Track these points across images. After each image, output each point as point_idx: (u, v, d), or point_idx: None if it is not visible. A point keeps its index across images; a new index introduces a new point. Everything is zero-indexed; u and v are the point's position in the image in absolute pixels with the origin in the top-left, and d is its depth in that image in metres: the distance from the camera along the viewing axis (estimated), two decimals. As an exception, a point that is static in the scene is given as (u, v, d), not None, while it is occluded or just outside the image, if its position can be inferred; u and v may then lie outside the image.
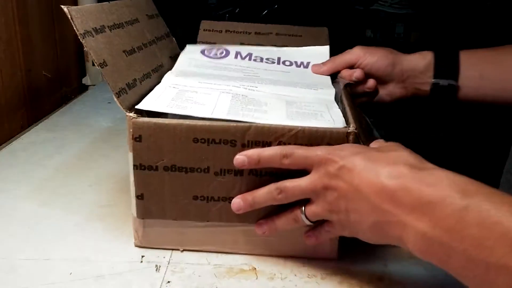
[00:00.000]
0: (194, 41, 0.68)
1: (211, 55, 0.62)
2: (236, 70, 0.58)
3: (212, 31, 0.69)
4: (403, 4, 1.55)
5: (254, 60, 0.62)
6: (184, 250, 0.45)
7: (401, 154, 0.35)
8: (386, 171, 0.33)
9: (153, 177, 0.42)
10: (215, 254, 0.44)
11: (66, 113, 0.83)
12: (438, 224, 0.30)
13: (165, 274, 0.41)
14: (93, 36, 0.42)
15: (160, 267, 0.42)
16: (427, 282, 0.41)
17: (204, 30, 0.70)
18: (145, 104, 0.43)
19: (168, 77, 0.52)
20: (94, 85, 1.07)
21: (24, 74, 0.81)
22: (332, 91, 0.52)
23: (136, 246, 0.45)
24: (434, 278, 0.42)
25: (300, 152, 0.38)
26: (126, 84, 0.44)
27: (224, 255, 0.44)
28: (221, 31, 0.69)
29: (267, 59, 0.62)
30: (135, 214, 0.44)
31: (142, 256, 0.44)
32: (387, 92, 0.60)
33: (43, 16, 0.89)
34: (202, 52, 0.63)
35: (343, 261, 0.44)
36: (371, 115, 0.52)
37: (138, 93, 0.45)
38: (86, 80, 1.08)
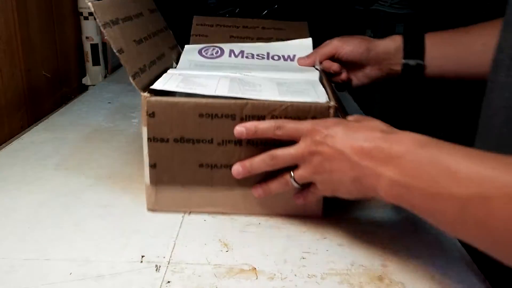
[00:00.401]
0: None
1: (207, 55, 0.67)
2: (231, 64, 0.65)
3: (204, 25, 0.76)
4: (403, 4, 1.56)
5: (247, 57, 0.68)
6: (191, 212, 0.51)
7: (374, 123, 0.43)
8: (363, 136, 0.41)
9: (164, 148, 0.48)
10: (215, 254, 0.44)
11: (66, 113, 0.83)
12: (402, 171, 0.38)
13: (165, 274, 0.41)
14: (111, 27, 0.49)
15: (160, 267, 0.42)
16: (427, 282, 0.41)
17: (196, 24, 0.76)
18: (158, 85, 0.49)
19: (171, 70, 0.57)
20: (94, 85, 1.07)
21: (24, 74, 0.81)
22: (316, 73, 0.60)
23: (148, 209, 0.51)
24: (433, 278, 0.42)
25: (290, 125, 0.46)
26: (139, 68, 0.50)
27: (224, 255, 0.44)
28: (212, 25, 0.76)
29: (258, 55, 0.68)
30: (148, 182, 0.50)
31: (142, 256, 0.44)
32: (365, 74, 0.68)
33: (43, 16, 0.89)
34: (199, 52, 0.68)
35: (343, 261, 0.44)
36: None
37: (148, 77, 0.52)
38: (86, 80, 1.08)
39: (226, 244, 0.46)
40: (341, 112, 0.48)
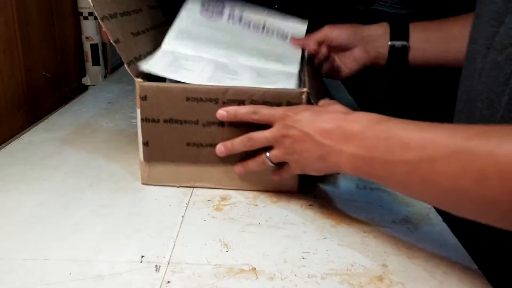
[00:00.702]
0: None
1: (207, 12, 0.70)
2: (225, 35, 0.68)
3: None
4: (403, 4, 1.55)
5: (244, 24, 0.70)
6: (180, 186, 0.57)
7: (336, 107, 0.49)
8: (325, 118, 0.46)
9: (155, 128, 0.54)
10: (215, 254, 0.44)
11: (66, 113, 0.83)
12: (361, 145, 0.43)
13: (165, 274, 0.41)
14: (109, 20, 0.53)
15: (160, 267, 0.42)
16: (427, 282, 0.41)
17: None
18: (147, 66, 0.54)
19: (168, 40, 0.63)
20: (94, 85, 1.07)
21: (23, 74, 0.81)
22: (296, 66, 0.65)
23: (142, 184, 0.57)
24: (433, 278, 0.42)
25: (265, 110, 0.51)
26: (134, 57, 0.55)
27: (224, 255, 0.44)
28: None
29: (254, 26, 0.70)
30: (142, 159, 0.56)
31: (142, 256, 0.44)
32: (353, 59, 0.71)
33: (42, 16, 0.89)
34: (201, 12, 0.70)
35: (342, 262, 0.44)
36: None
37: None
38: (86, 80, 1.08)
39: (226, 244, 0.46)
40: (314, 96, 0.53)
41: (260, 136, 0.51)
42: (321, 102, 0.53)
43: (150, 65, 0.55)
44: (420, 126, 0.40)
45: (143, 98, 0.52)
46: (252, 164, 0.54)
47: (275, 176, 0.54)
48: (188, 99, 0.52)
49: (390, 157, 0.40)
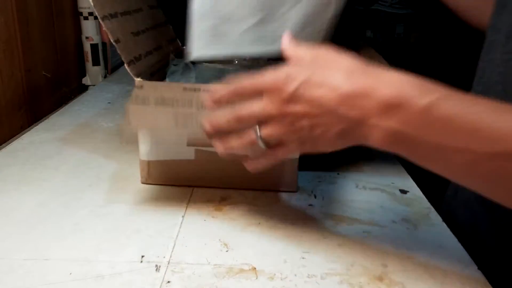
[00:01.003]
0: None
1: None
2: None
3: None
4: (403, 4, 1.55)
5: None
6: (180, 186, 0.57)
7: (349, 61, 0.36)
8: (342, 76, 0.35)
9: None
10: (215, 254, 0.44)
11: (66, 113, 0.83)
12: (405, 123, 0.33)
13: (165, 274, 0.41)
14: (109, 20, 0.53)
15: (160, 267, 0.42)
16: (427, 282, 0.41)
17: None
18: (196, 53, 0.54)
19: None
20: (94, 85, 1.06)
21: (23, 74, 0.81)
22: None
23: (142, 183, 0.57)
24: (433, 278, 0.42)
25: (247, 85, 0.39)
26: (134, 57, 0.55)
27: (224, 255, 0.44)
28: None
29: None
30: (141, 158, 0.56)
31: (142, 256, 0.44)
32: None
33: (43, 16, 0.89)
34: None
35: (342, 262, 0.44)
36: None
37: (143, 65, 0.56)
38: (86, 80, 1.08)
39: (226, 244, 0.46)
40: None
41: (250, 116, 0.39)
42: (308, 52, 0.39)
43: (197, 49, 0.53)
44: (491, 111, 0.33)
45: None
46: (236, 142, 0.41)
47: (261, 162, 0.42)
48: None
49: (449, 142, 0.32)
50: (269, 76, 0.37)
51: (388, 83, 0.34)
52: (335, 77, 0.35)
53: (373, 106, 0.34)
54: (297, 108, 0.36)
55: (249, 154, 0.43)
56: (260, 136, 0.39)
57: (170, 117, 0.50)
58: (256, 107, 0.38)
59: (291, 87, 0.36)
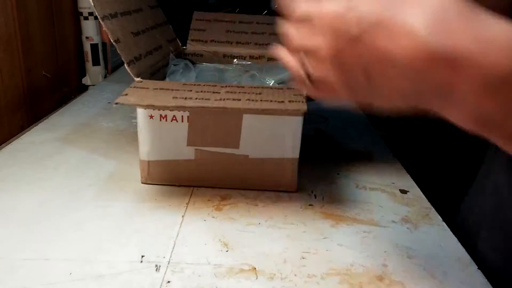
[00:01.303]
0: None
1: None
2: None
3: (203, 20, 0.81)
4: None
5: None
6: (180, 186, 0.57)
7: None
8: (425, 26, 0.24)
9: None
10: (215, 254, 0.44)
11: (66, 113, 0.83)
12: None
13: (165, 274, 0.41)
14: (110, 20, 0.54)
15: (160, 267, 0.42)
16: (427, 282, 0.41)
17: (196, 19, 0.81)
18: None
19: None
20: (94, 85, 1.07)
21: (24, 74, 0.81)
22: None
23: (142, 183, 0.57)
24: (433, 278, 0.42)
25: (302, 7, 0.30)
26: (134, 57, 0.56)
27: (224, 255, 0.44)
28: (210, 20, 0.81)
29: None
30: (141, 158, 0.56)
31: (142, 256, 0.44)
32: None
33: (43, 16, 0.89)
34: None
35: (342, 262, 0.44)
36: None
37: (143, 65, 0.57)
38: (86, 80, 1.08)
39: (226, 244, 0.46)
40: None
41: (296, 38, 0.31)
42: None
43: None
44: None
45: None
46: (289, 59, 0.32)
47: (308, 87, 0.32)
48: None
49: None
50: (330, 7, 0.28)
51: (495, 40, 0.24)
52: (419, 25, 0.25)
53: (472, 74, 0.24)
54: (355, 50, 0.27)
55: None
56: (307, 68, 0.31)
57: (169, 94, 0.51)
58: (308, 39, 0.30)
59: (352, 14, 0.27)
